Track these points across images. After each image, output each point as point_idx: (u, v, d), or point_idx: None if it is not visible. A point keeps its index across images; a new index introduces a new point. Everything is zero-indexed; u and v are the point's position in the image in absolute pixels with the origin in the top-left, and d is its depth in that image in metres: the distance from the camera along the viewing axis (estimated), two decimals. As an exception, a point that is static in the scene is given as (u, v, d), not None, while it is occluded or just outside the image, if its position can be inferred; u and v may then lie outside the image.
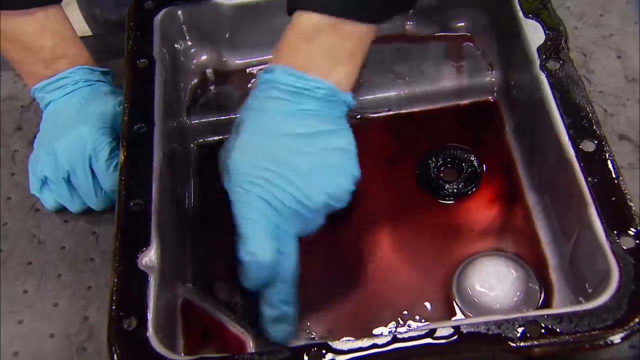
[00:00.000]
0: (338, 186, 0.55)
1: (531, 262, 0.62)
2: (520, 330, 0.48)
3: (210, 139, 0.76)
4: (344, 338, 0.50)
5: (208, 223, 0.69)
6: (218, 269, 0.65)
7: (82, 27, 0.96)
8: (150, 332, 0.51)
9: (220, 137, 0.75)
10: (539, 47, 0.64)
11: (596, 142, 0.57)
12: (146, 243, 0.56)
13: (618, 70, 0.76)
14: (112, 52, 0.80)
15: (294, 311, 0.58)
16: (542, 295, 0.60)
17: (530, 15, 0.67)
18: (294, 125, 0.54)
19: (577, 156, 0.57)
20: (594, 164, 0.56)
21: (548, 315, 0.49)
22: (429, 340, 0.49)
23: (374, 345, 0.49)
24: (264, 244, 0.54)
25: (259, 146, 0.55)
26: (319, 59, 0.54)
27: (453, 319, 0.60)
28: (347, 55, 0.55)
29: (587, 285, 0.57)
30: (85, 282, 0.66)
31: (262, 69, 0.78)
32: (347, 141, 0.56)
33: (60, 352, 0.62)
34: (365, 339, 0.49)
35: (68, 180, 0.69)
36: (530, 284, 0.61)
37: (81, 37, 0.75)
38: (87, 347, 0.62)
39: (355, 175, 0.56)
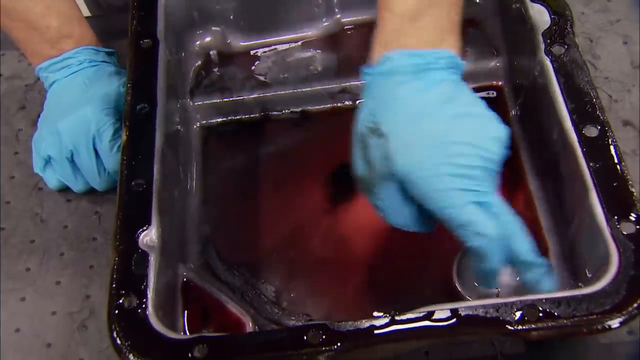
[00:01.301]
0: (497, 129, 0.53)
1: (532, 247, 0.62)
2: (518, 313, 0.49)
3: (214, 120, 0.76)
4: (343, 320, 0.49)
5: (209, 204, 0.69)
6: (219, 249, 0.65)
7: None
8: (150, 310, 0.52)
9: (224, 119, 0.75)
10: (544, 31, 0.64)
11: (599, 127, 0.57)
12: (147, 222, 0.56)
13: (624, 56, 0.75)
14: (115, 32, 0.80)
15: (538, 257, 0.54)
16: (542, 280, 0.60)
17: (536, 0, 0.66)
18: (432, 100, 0.53)
19: (579, 141, 0.56)
20: (596, 149, 0.56)
21: (546, 299, 0.49)
22: (427, 322, 0.49)
23: (372, 327, 0.49)
24: (483, 220, 0.51)
25: (417, 136, 0.52)
26: (428, 34, 0.54)
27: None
28: (451, 23, 0.55)
29: (587, 270, 0.56)
30: (88, 261, 0.66)
31: (266, 51, 0.80)
32: (476, 100, 0.55)
33: (62, 330, 0.62)
34: (363, 321, 0.49)
35: (71, 160, 0.69)
36: (530, 269, 0.60)
37: (86, 17, 0.75)
38: (89, 325, 0.62)
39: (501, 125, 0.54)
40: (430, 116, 0.52)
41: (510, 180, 0.67)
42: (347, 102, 0.75)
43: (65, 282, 0.65)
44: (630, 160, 0.67)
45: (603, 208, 0.53)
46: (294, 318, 0.61)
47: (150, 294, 0.52)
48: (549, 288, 0.53)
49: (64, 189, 0.71)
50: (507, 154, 0.54)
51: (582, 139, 0.57)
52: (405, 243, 0.65)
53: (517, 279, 0.59)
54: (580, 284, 0.57)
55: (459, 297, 0.60)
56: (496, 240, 0.51)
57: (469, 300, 0.60)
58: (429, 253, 0.64)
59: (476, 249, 0.51)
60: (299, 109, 0.75)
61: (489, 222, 0.51)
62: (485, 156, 0.52)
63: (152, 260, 0.55)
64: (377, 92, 0.54)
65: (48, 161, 0.70)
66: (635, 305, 0.48)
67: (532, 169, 0.67)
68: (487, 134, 0.53)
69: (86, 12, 0.97)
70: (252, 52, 0.79)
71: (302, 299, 0.62)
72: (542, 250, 0.62)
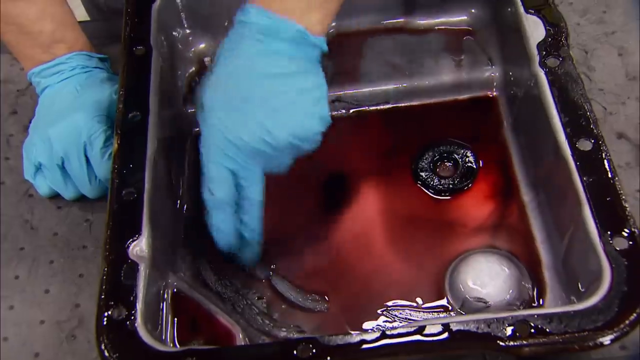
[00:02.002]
0: (305, 127, 0.56)
1: (524, 260, 0.62)
2: (509, 329, 0.48)
3: (207, 128, 0.75)
4: (333, 333, 0.49)
5: (201, 214, 0.68)
6: (210, 259, 0.65)
7: (80, 13, 0.96)
8: (139, 322, 0.51)
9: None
10: (539, 43, 0.64)
11: (593, 141, 0.57)
12: (137, 232, 0.56)
13: (619, 68, 0.75)
14: (112, 37, 0.79)
15: (259, 237, 0.60)
16: (535, 294, 0.60)
17: (532, 11, 0.66)
18: (264, 64, 0.55)
19: (573, 155, 0.56)
20: (590, 163, 0.56)
21: (538, 315, 0.49)
22: (418, 337, 0.49)
23: (363, 342, 0.49)
24: (224, 185, 0.56)
25: (230, 84, 0.55)
26: (292, 3, 0.55)
27: (444, 315, 0.60)
28: (321, 2, 0.55)
29: (579, 284, 0.56)
30: (77, 269, 0.66)
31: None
32: (317, 83, 0.57)
33: (50, 339, 0.62)
34: (353, 335, 0.49)
35: (62, 167, 0.68)
36: (522, 282, 0.60)
37: (81, 22, 0.75)
38: (77, 335, 0.62)
39: (324, 117, 0.57)
40: (245, 79, 0.55)
41: (504, 191, 0.67)
42: (342, 111, 0.75)
43: (54, 291, 0.65)
44: (625, 173, 0.67)
45: (596, 223, 0.52)
46: (285, 330, 0.60)
47: (139, 305, 0.52)
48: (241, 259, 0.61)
49: (55, 196, 0.70)
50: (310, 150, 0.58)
51: (576, 153, 0.56)
52: (397, 254, 0.65)
53: (507, 296, 0.59)
54: (573, 298, 0.57)
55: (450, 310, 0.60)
56: (222, 204, 0.57)
57: (461, 314, 0.60)
58: (421, 264, 0.64)
59: (204, 200, 0.58)
60: (293, 117, 0.75)
61: (224, 186, 0.56)
62: (267, 139, 0.54)
63: (142, 270, 0.54)
64: (228, 36, 0.57)
65: (39, 168, 0.69)
66: (627, 321, 0.48)
67: (525, 180, 0.67)
68: (282, 124, 0.54)
69: (86, 16, 0.97)
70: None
71: (293, 310, 0.62)
72: (535, 262, 0.62)
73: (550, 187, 0.62)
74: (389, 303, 0.61)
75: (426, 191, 0.68)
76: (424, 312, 0.61)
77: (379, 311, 0.61)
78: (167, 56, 0.73)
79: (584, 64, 0.76)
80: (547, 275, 0.61)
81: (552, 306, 0.59)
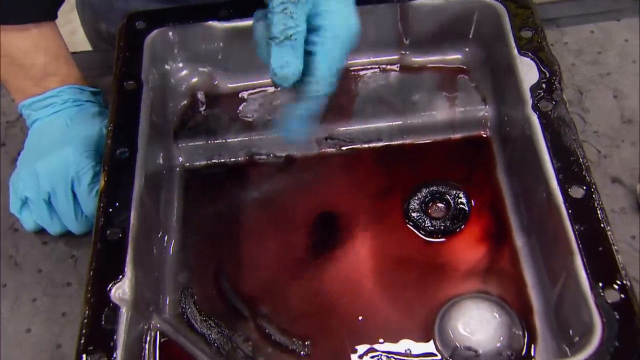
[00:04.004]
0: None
1: (516, 306, 0.61)
2: (497, 384, 0.47)
3: (197, 163, 0.74)
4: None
5: (188, 250, 0.68)
6: (197, 298, 0.64)
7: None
8: (118, 368, 0.50)
9: (207, 161, 0.74)
10: (532, 86, 0.63)
11: (585, 188, 0.56)
12: (121, 273, 0.55)
13: (614, 110, 0.74)
14: (110, 67, 0.78)
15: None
16: (526, 341, 0.59)
17: (526, 53, 0.65)
18: None
19: (565, 202, 0.55)
20: (582, 211, 0.55)
21: (527, 369, 0.48)
22: (402, 389, 0.48)
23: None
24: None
25: None
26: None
27: (433, 362, 0.59)
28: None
29: (571, 332, 0.55)
30: (60, 308, 0.64)
31: (253, 94, 0.79)
32: None
33: (29, 381, 0.61)
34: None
35: (49, 202, 0.67)
36: (513, 329, 0.59)
37: (84, 52, 0.74)
38: (57, 377, 0.61)
39: None
40: None
41: (496, 234, 0.66)
42: (331, 149, 0.74)
43: (36, 330, 0.63)
44: (619, 218, 0.66)
45: (587, 274, 0.52)
46: (269, 375, 0.59)
47: (119, 351, 0.51)
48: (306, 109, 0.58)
49: (40, 231, 0.69)
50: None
51: (568, 200, 0.56)
52: (386, 298, 0.64)
53: (498, 344, 0.57)
54: (564, 346, 0.56)
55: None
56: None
57: (449, 360, 0.58)
58: (410, 309, 0.62)
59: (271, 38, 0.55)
60: (284, 154, 0.74)
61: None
62: None
63: (124, 314, 0.53)
64: None
65: (25, 202, 0.68)
66: (618, 379, 0.47)
67: (518, 223, 0.66)
68: None
69: (88, 47, 0.97)
70: (239, 94, 0.77)
71: (279, 354, 0.60)
72: (527, 309, 0.61)
73: (542, 232, 0.61)
74: (377, 348, 0.60)
75: (417, 232, 0.67)
76: (412, 358, 0.59)
77: (365, 357, 0.60)
78: (159, 89, 0.73)
79: (579, 105, 0.75)
80: (539, 322, 0.60)
81: (542, 355, 0.57)
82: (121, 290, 0.54)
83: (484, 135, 0.73)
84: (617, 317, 0.49)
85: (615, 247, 0.52)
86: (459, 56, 0.76)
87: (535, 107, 0.62)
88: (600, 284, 0.51)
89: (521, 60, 0.65)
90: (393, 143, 0.74)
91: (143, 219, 0.61)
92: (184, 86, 0.77)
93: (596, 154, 0.71)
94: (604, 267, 0.52)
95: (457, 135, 0.74)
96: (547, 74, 0.64)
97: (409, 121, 0.75)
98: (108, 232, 0.57)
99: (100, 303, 0.53)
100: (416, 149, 0.74)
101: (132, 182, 0.61)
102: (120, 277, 0.55)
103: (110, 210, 0.59)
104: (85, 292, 0.54)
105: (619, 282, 0.50)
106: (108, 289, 0.54)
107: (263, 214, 0.70)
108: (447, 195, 0.68)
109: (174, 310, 0.63)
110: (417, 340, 0.60)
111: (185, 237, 0.69)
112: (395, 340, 0.60)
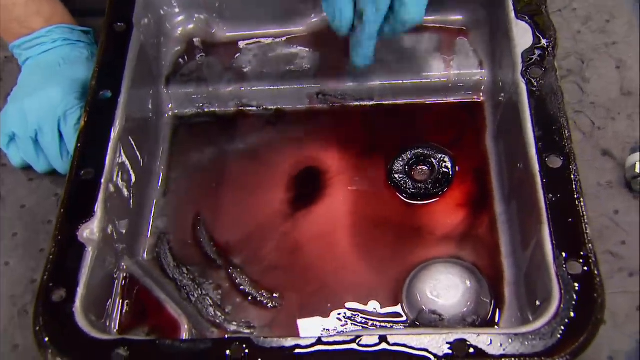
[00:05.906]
0: None
1: (488, 274, 0.60)
2: (447, 347, 0.47)
3: (187, 110, 0.74)
4: (268, 335, 0.48)
5: (170, 197, 0.68)
6: (172, 244, 0.64)
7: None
8: (77, 306, 0.51)
9: (197, 110, 0.74)
10: (524, 51, 0.62)
11: (563, 158, 0.55)
12: (91, 213, 0.55)
13: (614, 82, 0.72)
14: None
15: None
16: (492, 309, 0.58)
17: (523, 17, 0.63)
18: None
19: (541, 171, 0.54)
20: (557, 181, 0.54)
21: (480, 334, 0.47)
22: (353, 346, 0.48)
23: (297, 346, 0.48)
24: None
25: None
26: None
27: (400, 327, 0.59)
28: None
29: (537, 302, 0.54)
30: (39, 244, 0.65)
31: (249, 44, 0.78)
32: None
33: (3, 312, 0.62)
34: (289, 339, 0.48)
35: (36, 140, 0.68)
36: (482, 297, 0.59)
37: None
38: (29, 310, 0.61)
39: None
40: None
41: (477, 200, 0.65)
42: (322, 106, 0.73)
43: (13, 264, 0.65)
44: (604, 192, 0.65)
45: (553, 244, 0.51)
46: (235, 324, 0.60)
47: (80, 289, 0.52)
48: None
49: (27, 168, 0.70)
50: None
51: (544, 169, 0.54)
52: (360, 257, 0.64)
53: (464, 309, 0.57)
54: (529, 314, 0.55)
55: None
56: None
57: (415, 324, 0.58)
58: (382, 269, 0.62)
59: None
60: (274, 107, 0.74)
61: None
62: None
63: (90, 253, 0.54)
64: None
65: (12, 138, 0.69)
66: (569, 350, 0.46)
67: (500, 191, 0.65)
68: None
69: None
70: (235, 44, 0.77)
71: (247, 304, 0.61)
72: (498, 277, 0.60)
73: (519, 200, 0.60)
74: (345, 305, 0.60)
75: (398, 194, 0.66)
76: (378, 318, 0.59)
77: (332, 313, 0.60)
78: (153, 34, 0.72)
79: (579, 74, 0.73)
80: (507, 291, 0.59)
81: (507, 324, 0.57)
82: (89, 230, 0.54)
83: (478, 100, 0.72)
84: (577, 288, 0.48)
85: (585, 220, 0.51)
86: (459, 17, 0.74)
87: (524, 73, 0.60)
88: (564, 255, 0.50)
89: (517, 24, 0.63)
90: (384, 102, 0.73)
91: (121, 162, 0.61)
92: (179, 32, 0.77)
93: (590, 125, 0.69)
94: (570, 239, 0.51)
95: (451, 99, 0.73)
96: (541, 39, 0.62)
97: (402, 81, 0.73)
98: (82, 172, 0.58)
99: (68, 242, 0.54)
100: (407, 110, 0.72)
101: (111, 125, 0.61)
102: (90, 217, 0.55)
103: (86, 150, 0.59)
104: (54, 230, 0.54)
105: (583, 254, 0.49)
106: (77, 227, 0.54)
107: (248, 166, 0.70)
108: (432, 159, 0.67)
109: (149, 254, 0.64)
110: (385, 301, 0.60)
111: (167, 183, 0.69)
112: (363, 299, 0.60)
